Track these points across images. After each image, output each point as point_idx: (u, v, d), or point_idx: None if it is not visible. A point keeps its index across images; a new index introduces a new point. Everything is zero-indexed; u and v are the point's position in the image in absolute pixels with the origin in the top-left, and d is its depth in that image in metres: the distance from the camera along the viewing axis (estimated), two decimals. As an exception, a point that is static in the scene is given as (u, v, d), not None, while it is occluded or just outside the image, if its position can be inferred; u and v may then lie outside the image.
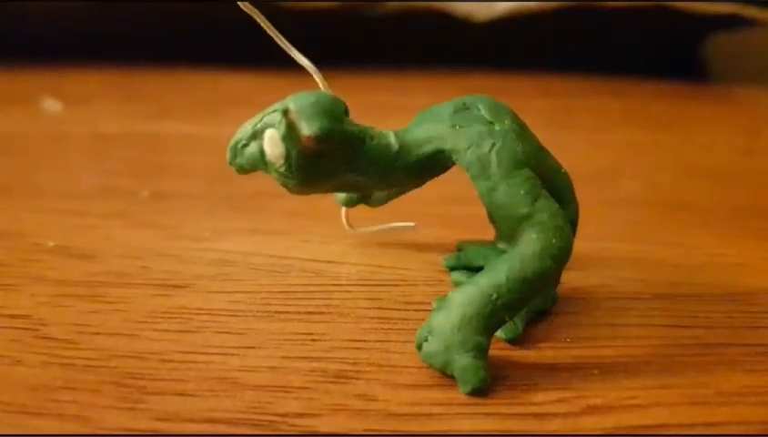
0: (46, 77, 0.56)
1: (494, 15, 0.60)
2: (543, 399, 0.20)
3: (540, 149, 0.24)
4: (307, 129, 0.20)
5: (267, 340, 0.22)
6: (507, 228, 0.21)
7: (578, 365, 0.22)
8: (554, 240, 0.20)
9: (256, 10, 0.22)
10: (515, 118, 0.23)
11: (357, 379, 0.21)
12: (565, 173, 0.25)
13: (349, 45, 0.63)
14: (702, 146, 0.46)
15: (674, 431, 0.19)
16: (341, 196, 0.28)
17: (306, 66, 0.23)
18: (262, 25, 0.23)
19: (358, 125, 0.22)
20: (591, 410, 0.20)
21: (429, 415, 0.19)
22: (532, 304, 0.23)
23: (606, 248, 0.30)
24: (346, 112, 0.22)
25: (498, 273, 0.20)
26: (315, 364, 0.21)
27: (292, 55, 0.23)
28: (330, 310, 0.24)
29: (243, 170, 0.23)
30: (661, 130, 0.50)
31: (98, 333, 0.23)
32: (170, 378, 0.20)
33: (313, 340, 0.23)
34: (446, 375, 0.21)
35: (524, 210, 0.21)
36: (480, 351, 0.20)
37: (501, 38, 0.64)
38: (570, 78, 0.63)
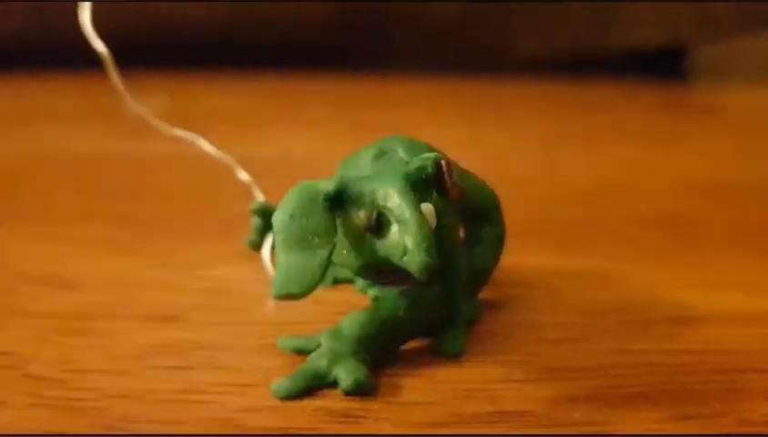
0: (19, 96, 0.55)
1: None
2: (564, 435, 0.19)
3: (460, 173, 0.24)
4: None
5: (266, 376, 0.21)
6: None
7: (597, 396, 0.21)
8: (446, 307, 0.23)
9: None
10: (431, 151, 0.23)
11: (365, 418, 0.19)
12: (492, 192, 0.25)
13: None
14: (698, 161, 0.46)
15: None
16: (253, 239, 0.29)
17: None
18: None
19: None
20: (614, 445, 0.19)
21: (445, 457, 0.18)
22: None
23: (613, 269, 0.29)
24: None
25: (396, 309, 0.22)
26: (319, 403, 0.20)
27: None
28: (333, 343, 0.23)
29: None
30: (655, 145, 0.49)
31: (87, 371, 0.21)
32: (166, 420, 0.19)
33: (316, 375, 0.21)
34: (322, 385, 0.21)
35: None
36: (366, 364, 0.21)
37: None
38: (561, 90, 0.62)
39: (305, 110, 0.57)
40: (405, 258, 0.19)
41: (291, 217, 0.19)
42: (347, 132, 0.49)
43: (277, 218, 0.19)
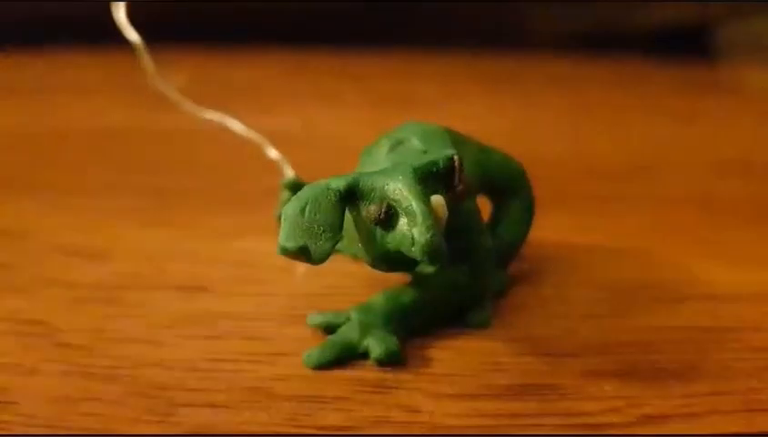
0: (47, 70, 0.55)
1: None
2: (595, 408, 0.19)
3: (482, 151, 0.25)
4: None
5: (297, 346, 0.21)
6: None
7: (627, 372, 0.20)
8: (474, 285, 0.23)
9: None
10: (447, 137, 0.23)
11: (397, 388, 0.19)
12: (517, 164, 0.26)
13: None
14: (727, 139, 0.45)
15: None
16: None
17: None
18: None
19: None
20: (646, 419, 0.19)
21: (478, 427, 0.18)
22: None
23: (640, 245, 0.29)
24: None
25: (426, 289, 0.22)
26: (351, 373, 0.20)
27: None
28: (362, 314, 0.23)
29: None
30: (682, 123, 0.49)
31: (118, 340, 0.22)
32: (199, 388, 0.19)
33: (347, 346, 0.21)
34: (352, 355, 0.21)
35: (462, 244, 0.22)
36: (397, 338, 0.21)
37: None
38: (585, 67, 0.62)
39: (326, 84, 0.57)
40: (413, 248, 0.19)
41: (302, 209, 0.19)
42: (371, 106, 0.48)
43: (289, 209, 0.19)
